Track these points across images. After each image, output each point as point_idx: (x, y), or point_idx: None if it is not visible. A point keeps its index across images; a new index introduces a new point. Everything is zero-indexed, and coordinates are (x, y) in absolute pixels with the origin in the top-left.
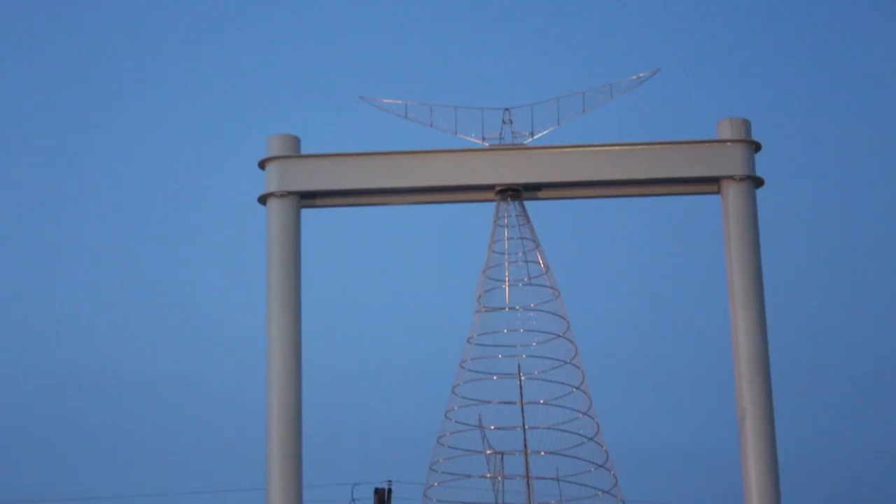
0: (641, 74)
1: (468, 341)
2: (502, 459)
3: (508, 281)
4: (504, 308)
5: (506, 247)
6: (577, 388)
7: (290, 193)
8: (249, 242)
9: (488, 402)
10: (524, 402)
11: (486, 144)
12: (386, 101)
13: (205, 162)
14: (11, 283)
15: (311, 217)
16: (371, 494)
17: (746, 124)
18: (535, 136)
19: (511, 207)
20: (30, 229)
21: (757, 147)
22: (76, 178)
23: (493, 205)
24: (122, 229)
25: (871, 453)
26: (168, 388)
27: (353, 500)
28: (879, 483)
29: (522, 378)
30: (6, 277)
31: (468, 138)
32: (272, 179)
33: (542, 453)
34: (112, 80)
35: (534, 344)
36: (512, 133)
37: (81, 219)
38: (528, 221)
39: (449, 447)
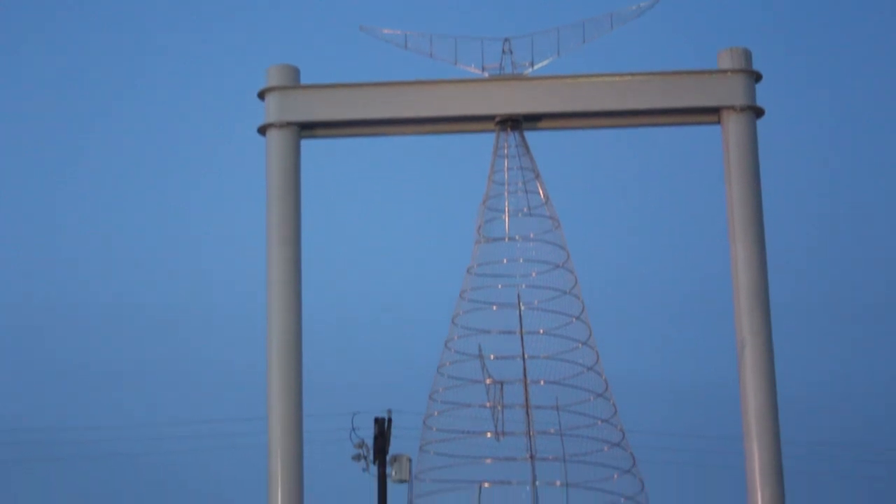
0: (642, 4)
1: (468, 272)
2: (502, 389)
3: (508, 211)
4: (504, 238)
5: (506, 177)
6: (577, 319)
7: (289, 124)
8: (251, 175)
9: (488, 332)
10: (524, 331)
11: (486, 75)
12: (386, 31)
13: (205, 93)
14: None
15: (312, 151)
16: (371, 423)
17: (747, 54)
18: (535, 67)
19: (511, 138)
20: (26, 159)
21: (757, 77)
22: (72, 110)
23: (493, 136)
24: (121, 161)
25: (871, 384)
26: (167, 319)
27: (353, 429)
28: (880, 412)
29: (522, 308)
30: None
31: (468, 69)
32: (271, 110)
33: (542, 382)
34: (111, 10)
35: (533, 274)
36: (512, 63)
37: (78, 165)
38: (528, 152)
39: (449, 376)
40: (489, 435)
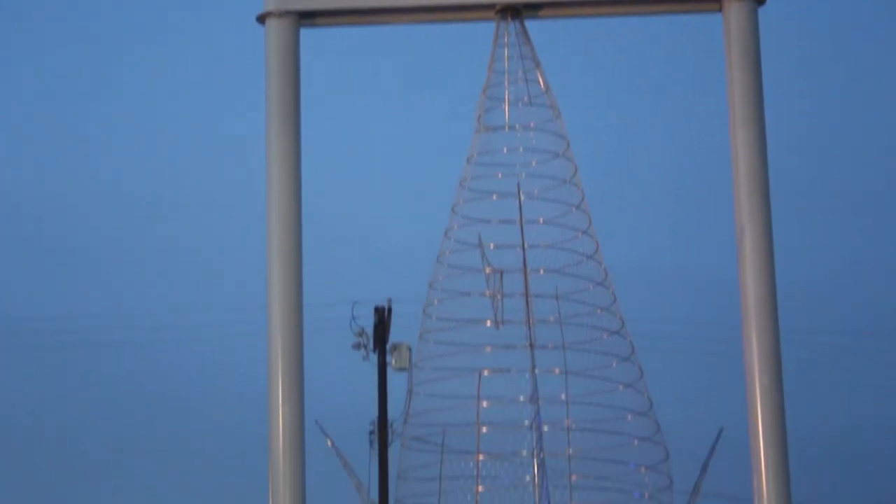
0: None
1: (467, 161)
2: (501, 277)
3: (508, 100)
4: (504, 128)
5: (505, 66)
6: (577, 208)
7: (288, 12)
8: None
9: (488, 222)
10: (523, 221)
11: None
12: None
13: None
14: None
15: (311, 41)
16: (371, 312)
17: None
18: None
19: (511, 27)
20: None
21: None
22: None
23: (493, 25)
24: (121, 47)
25: (871, 269)
26: (165, 209)
27: (353, 318)
28: (879, 294)
29: (522, 198)
30: None
31: None
32: None
33: (542, 271)
34: None
35: (534, 163)
36: None
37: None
38: (529, 41)
39: (448, 266)
40: (489, 323)
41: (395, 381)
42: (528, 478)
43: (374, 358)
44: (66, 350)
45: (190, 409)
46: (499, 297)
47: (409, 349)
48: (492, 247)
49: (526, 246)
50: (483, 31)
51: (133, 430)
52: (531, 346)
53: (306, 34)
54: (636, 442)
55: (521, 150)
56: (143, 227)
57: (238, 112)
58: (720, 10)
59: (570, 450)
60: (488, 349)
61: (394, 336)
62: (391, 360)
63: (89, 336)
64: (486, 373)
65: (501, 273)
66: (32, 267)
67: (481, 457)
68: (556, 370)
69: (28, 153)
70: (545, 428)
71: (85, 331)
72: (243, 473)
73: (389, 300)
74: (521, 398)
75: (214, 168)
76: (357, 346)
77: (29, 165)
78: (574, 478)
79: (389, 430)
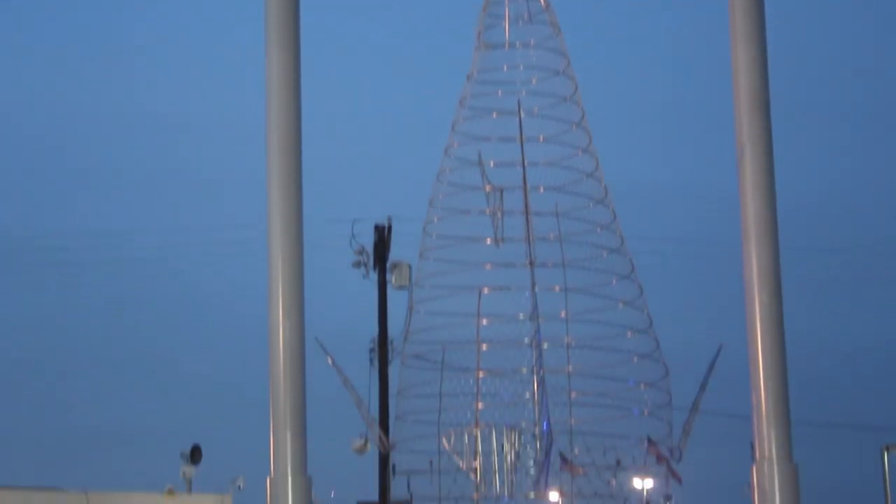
0: None
1: (468, 79)
2: (501, 195)
3: (508, 17)
4: (504, 45)
5: None
6: (577, 125)
7: None
8: None
9: (488, 139)
10: (523, 138)
11: None
12: None
13: None
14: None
15: None
16: (371, 231)
17: None
18: None
19: None
20: None
21: None
22: None
23: None
24: None
25: (872, 187)
26: (169, 127)
27: (353, 236)
28: (879, 212)
29: (522, 115)
30: None
31: None
32: None
33: (541, 189)
34: None
35: (534, 81)
36: None
37: None
38: None
39: (448, 183)
40: (489, 241)
41: (395, 299)
42: (527, 395)
43: (374, 276)
44: (66, 268)
45: (193, 326)
46: (499, 214)
47: (409, 267)
48: (492, 164)
49: (526, 164)
50: None
51: (139, 343)
52: (531, 263)
53: None
54: (636, 359)
55: (521, 67)
56: (147, 146)
57: (243, 27)
58: None
59: (570, 367)
60: (488, 267)
61: (394, 254)
62: (391, 279)
63: (93, 254)
64: (485, 290)
65: (501, 191)
66: (38, 186)
67: (481, 374)
68: (556, 288)
69: (28, 75)
70: (545, 345)
71: (88, 249)
72: (243, 390)
73: (389, 218)
74: (521, 316)
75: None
76: (357, 265)
77: (27, 85)
78: (573, 395)
79: (389, 348)
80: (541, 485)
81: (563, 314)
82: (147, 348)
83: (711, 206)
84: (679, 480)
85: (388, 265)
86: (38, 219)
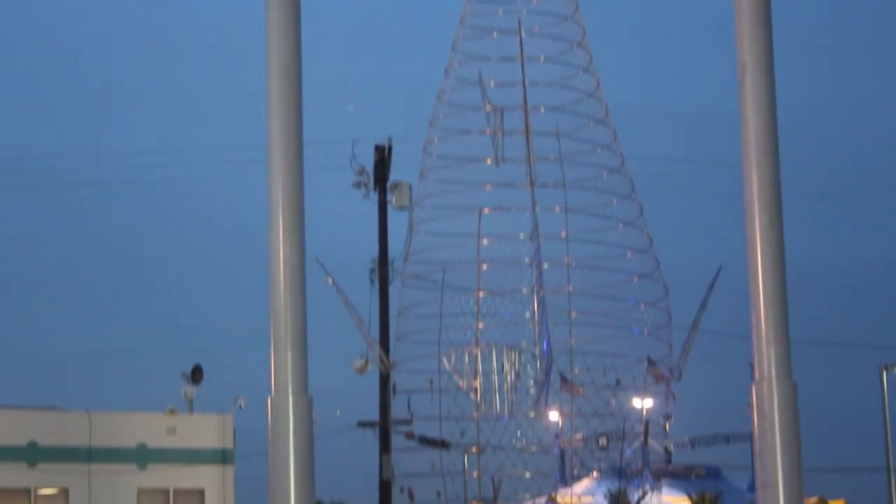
0: None
1: None
2: (502, 115)
3: None
4: None
5: None
6: (578, 45)
7: None
8: None
9: (488, 59)
10: (524, 57)
11: None
12: None
13: None
14: None
15: None
16: (371, 151)
17: None
18: None
19: None
20: None
21: None
22: None
23: None
24: None
25: (874, 106)
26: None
27: (354, 156)
28: (881, 132)
29: (523, 34)
30: None
31: None
32: None
33: (542, 109)
34: None
35: (534, 1)
36: None
37: None
38: None
39: (449, 103)
40: (489, 161)
41: (396, 219)
42: (527, 314)
43: (374, 196)
44: (68, 188)
45: (193, 246)
46: (499, 134)
47: (410, 187)
48: (492, 84)
49: (526, 83)
50: None
51: (140, 264)
52: (531, 183)
53: None
54: (636, 279)
55: None
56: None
57: None
58: None
59: (570, 287)
60: (488, 187)
61: (394, 174)
62: (391, 199)
63: (92, 174)
64: (486, 210)
65: (502, 110)
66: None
67: (481, 294)
68: (557, 208)
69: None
70: (545, 265)
71: (87, 169)
72: (244, 311)
73: (390, 138)
74: (521, 236)
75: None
76: (357, 185)
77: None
78: (574, 314)
79: (390, 268)
80: (541, 404)
81: (563, 234)
82: (148, 269)
83: (713, 126)
84: (673, 398)
85: (388, 185)
86: (33, 139)
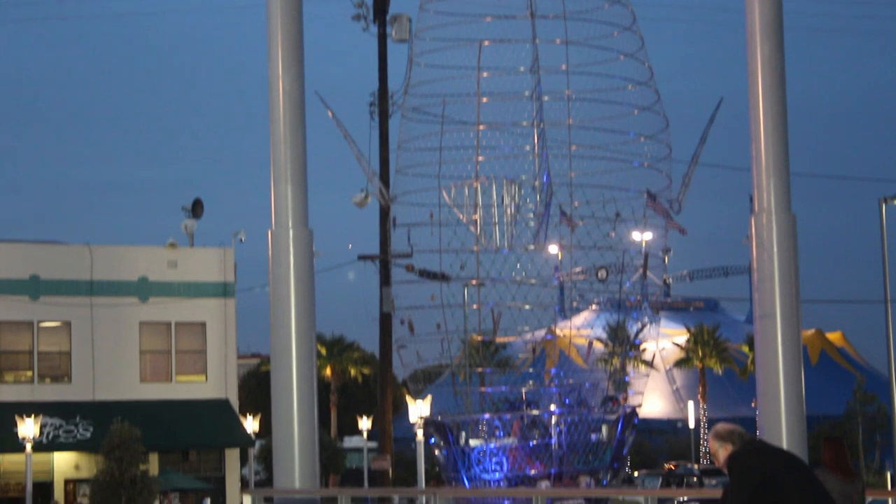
0: None
1: None
2: None
3: None
4: None
5: None
6: None
7: None
8: None
9: None
10: None
11: None
12: None
13: None
14: None
15: None
16: None
17: None
18: None
19: None
20: None
21: None
22: None
23: None
24: None
25: None
26: None
27: None
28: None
29: None
30: None
31: None
32: None
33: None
34: None
35: None
36: None
37: None
38: None
39: None
40: None
41: (395, 52)
42: (527, 147)
43: (373, 29)
44: (65, 22)
45: (194, 81)
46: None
47: (410, 20)
48: None
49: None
50: None
51: (140, 98)
52: (532, 15)
53: None
54: (636, 111)
55: None
56: None
57: None
58: None
59: (570, 119)
60: (488, 19)
61: (394, 7)
62: (391, 31)
63: (90, 7)
64: (486, 43)
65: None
66: None
67: (481, 127)
68: (557, 40)
69: None
70: (545, 98)
71: (85, 2)
72: (246, 143)
73: None
74: (522, 68)
75: None
76: (356, 17)
77: None
78: (574, 147)
79: (389, 101)
80: (540, 237)
81: (563, 66)
82: (148, 103)
83: None
84: (683, 232)
85: (387, 18)
86: None
